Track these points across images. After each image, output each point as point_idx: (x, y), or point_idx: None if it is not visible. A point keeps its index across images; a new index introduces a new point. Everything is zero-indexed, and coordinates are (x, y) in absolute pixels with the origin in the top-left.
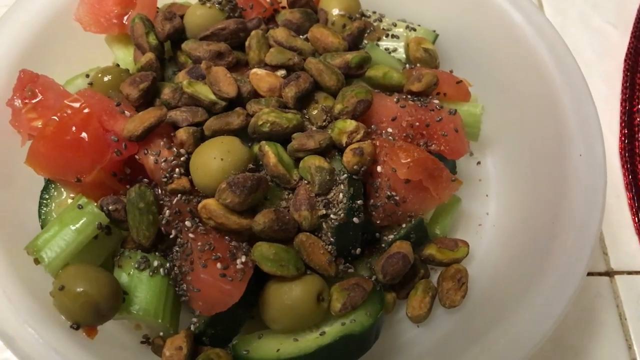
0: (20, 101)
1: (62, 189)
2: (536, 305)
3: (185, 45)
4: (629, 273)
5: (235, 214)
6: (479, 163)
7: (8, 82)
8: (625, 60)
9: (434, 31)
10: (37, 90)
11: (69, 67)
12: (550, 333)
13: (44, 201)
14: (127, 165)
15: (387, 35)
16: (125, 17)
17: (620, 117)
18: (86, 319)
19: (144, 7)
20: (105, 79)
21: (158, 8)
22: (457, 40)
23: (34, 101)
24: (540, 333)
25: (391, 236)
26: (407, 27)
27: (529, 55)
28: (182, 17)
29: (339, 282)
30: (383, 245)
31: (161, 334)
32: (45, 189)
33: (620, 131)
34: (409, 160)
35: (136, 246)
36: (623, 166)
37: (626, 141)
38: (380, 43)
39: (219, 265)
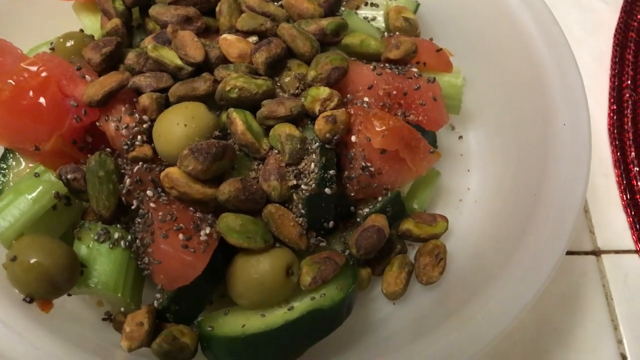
0: None
1: (21, 159)
2: (514, 280)
3: (152, 10)
4: (616, 252)
5: (199, 183)
6: (460, 137)
7: None
8: (614, 36)
9: (415, 0)
10: None
11: (34, 35)
12: (528, 308)
13: (2, 171)
14: (89, 133)
15: (366, 4)
16: None
17: (609, 93)
18: (40, 291)
19: None
20: (68, 44)
21: None
22: (439, 10)
23: None
24: (517, 308)
25: (366, 210)
26: None
27: (514, 25)
28: None
29: (309, 255)
30: (358, 219)
31: (122, 309)
32: (3, 159)
33: (609, 107)
34: (383, 128)
35: (97, 218)
36: (611, 143)
37: (615, 117)
38: (359, 12)
39: (181, 236)
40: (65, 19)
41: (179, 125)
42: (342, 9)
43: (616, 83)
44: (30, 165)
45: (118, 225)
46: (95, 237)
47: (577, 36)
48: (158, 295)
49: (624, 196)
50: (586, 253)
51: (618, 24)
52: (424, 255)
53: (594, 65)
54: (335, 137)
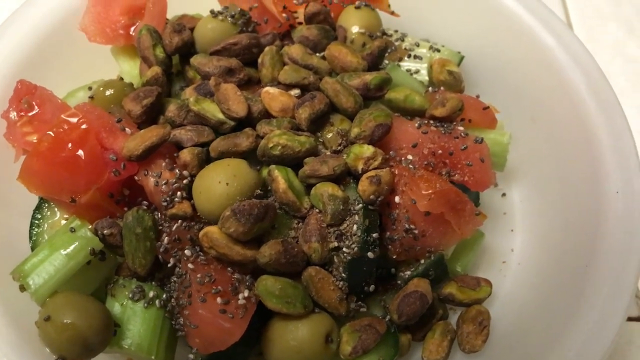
0: (15, 113)
1: (56, 209)
2: (569, 358)
3: (194, 60)
4: None
5: (238, 244)
6: (504, 195)
7: (5, 93)
8: None
9: (459, 52)
10: (33, 103)
11: (72, 78)
12: None
13: (36, 221)
14: (126, 186)
15: (409, 56)
16: (133, 28)
17: None
18: (73, 352)
19: (153, 18)
20: (107, 92)
21: (168, 20)
22: (484, 63)
23: (30, 114)
24: None
25: (408, 272)
26: (430, 47)
27: (562, 82)
28: (192, 30)
29: (349, 322)
30: (399, 282)
31: None
32: (38, 209)
33: None
34: (430, 191)
35: (131, 274)
36: None
37: None
38: (401, 64)
39: (219, 299)
40: (104, 63)
41: (220, 184)
42: (386, 61)
43: None
44: (65, 216)
45: (153, 283)
46: (130, 295)
47: (621, 89)
48: (191, 356)
49: None
50: (631, 319)
51: None
52: (467, 322)
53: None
54: (379, 199)
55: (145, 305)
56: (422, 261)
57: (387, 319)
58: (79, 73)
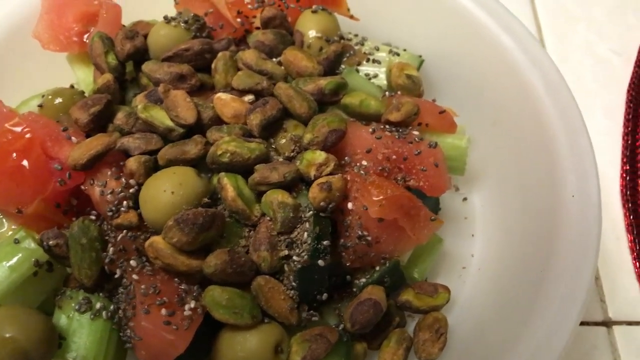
0: None
1: (4, 220)
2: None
3: (145, 67)
4: (629, 323)
5: (184, 254)
6: (465, 199)
7: None
8: (628, 91)
9: (420, 56)
10: None
11: (28, 86)
12: None
13: None
14: (74, 195)
15: (368, 60)
16: (86, 35)
17: (622, 152)
18: None
19: (107, 24)
20: (56, 101)
21: (124, 26)
22: (444, 67)
23: None
24: None
25: (363, 279)
26: (390, 51)
27: (522, 85)
28: (146, 36)
29: (301, 331)
30: (354, 289)
31: None
32: None
33: (622, 167)
34: (381, 197)
35: (79, 285)
36: (624, 205)
37: (628, 178)
38: (360, 68)
39: (163, 311)
40: (61, 70)
41: (165, 192)
42: (343, 66)
43: (629, 142)
44: (13, 227)
45: (100, 294)
46: (76, 307)
47: (590, 90)
48: None
49: (637, 263)
50: (596, 324)
51: (632, 78)
52: (424, 329)
53: (607, 122)
54: (330, 205)
55: (92, 317)
56: (377, 268)
57: (340, 328)
58: (35, 81)
